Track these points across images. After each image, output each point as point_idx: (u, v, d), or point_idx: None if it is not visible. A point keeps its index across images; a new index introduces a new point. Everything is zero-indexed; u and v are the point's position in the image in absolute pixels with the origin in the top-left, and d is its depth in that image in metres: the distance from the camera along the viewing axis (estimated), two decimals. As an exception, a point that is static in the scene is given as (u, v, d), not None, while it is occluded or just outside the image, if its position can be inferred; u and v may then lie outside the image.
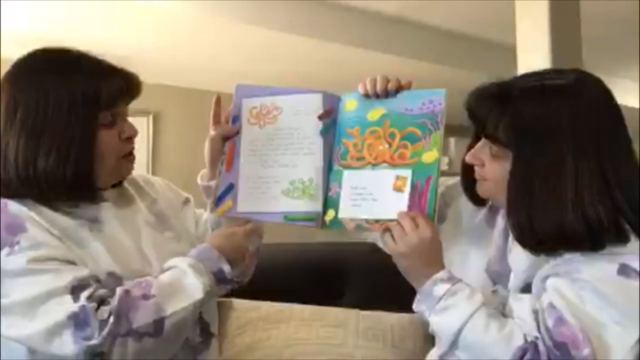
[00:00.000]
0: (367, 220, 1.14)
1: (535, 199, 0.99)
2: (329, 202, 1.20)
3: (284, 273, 1.68)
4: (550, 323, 0.95)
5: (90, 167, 1.09)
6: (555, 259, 1.01)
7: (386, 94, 1.18)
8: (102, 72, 1.11)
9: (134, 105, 1.20)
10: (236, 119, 1.28)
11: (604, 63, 3.86)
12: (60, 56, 1.13)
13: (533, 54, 2.72)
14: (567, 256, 1.00)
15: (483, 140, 1.08)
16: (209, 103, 1.29)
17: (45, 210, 1.07)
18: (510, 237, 1.11)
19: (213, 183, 1.26)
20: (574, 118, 1.00)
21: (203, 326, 1.20)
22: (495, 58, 4.02)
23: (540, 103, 1.01)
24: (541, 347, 0.95)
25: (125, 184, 1.24)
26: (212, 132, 1.28)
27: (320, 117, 1.23)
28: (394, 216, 1.08)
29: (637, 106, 4.91)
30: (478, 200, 1.16)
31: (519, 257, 1.07)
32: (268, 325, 1.51)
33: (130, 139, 1.16)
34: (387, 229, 1.08)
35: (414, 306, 1.07)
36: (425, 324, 1.25)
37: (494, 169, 1.07)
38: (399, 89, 1.18)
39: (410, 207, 1.10)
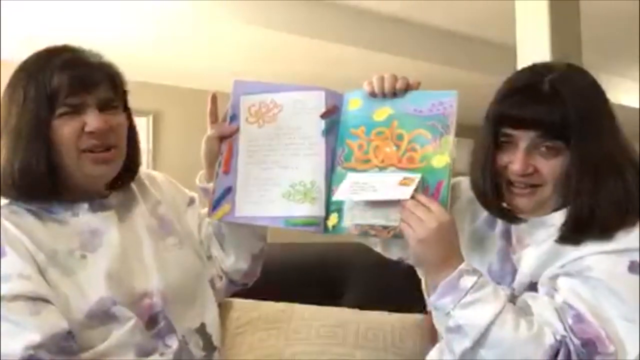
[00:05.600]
0: (373, 226, 1.09)
1: (602, 181, 1.00)
2: (332, 205, 1.14)
3: (284, 273, 1.68)
4: (570, 321, 0.95)
5: (50, 162, 1.04)
6: (563, 259, 1.01)
7: (394, 93, 1.13)
8: (58, 64, 1.06)
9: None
10: (234, 117, 1.22)
11: (604, 63, 3.87)
12: (34, 55, 1.10)
13: (533, 54, 2.72)
14: (577, 254, 1.00)
15: (527, 145, 1.04)
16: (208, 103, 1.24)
17: (40, 228, 1.04)
18: (514, 238, 1.10)
19: (211, 185, 1.20)
20: (602, 96, 1.06)
21: (206, 339, 1.15)
22: (495, 58, 4.02)
23: (581, 87, 1.05)
24: (571, 346, 0.94)
25: (132, 184, 1.20)
26: (208, 132, 1.22)
27: (322, 116, 1.17)
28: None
29: (637, 106, 4.92)
30: (513, 217, 1.10)
31: (525, 258, 1.07)
32: (268, 325, 1.51)
33: (95, 134, 1.07)
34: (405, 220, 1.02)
35: (432, 299, 1.01)
36: (426, 324, 1.24)
37: (552, 167, 1.03)
38: (407, 89, 1.13)
39: None
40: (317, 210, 1.13)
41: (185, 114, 4.46)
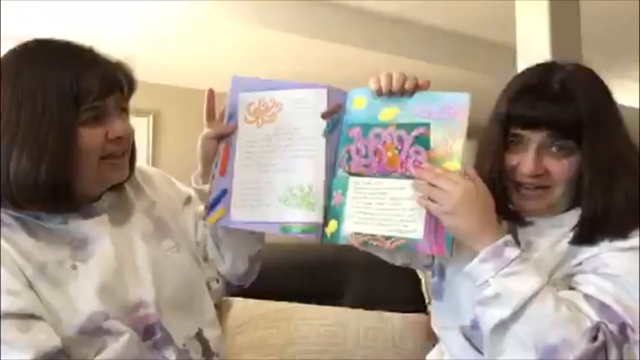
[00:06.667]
0: (374, 236, 1.03)
1: (615, 180, 0.99)
2: (331, 212, 1.07)
3: (284, 273, 1.68)
4: (596, 310, 0.94)
5: (68, 171, 0.96)
6: (577, 258, 1.01)
7: (401, 93, 1.06)
8: (82, 63, 0.98)
9: (134, 105, 1.16)
10: (232, 116, 1.15)
11: (604, 63, 3.86)
12: (39, 48, 1.01)
13: (533, 54, 2.72)
14: (592, 252, 0.99)
15: (537, 146, 1.02)
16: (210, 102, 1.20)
17: (28, 239, 0.97)
18: (522, 242, 1.08)
19: (207, 187, 1.14)
20: (609, 95, 1.06)
21: (204, 345, 1.10)
22: (495, 58, 4.02)
23: (590, 86, 1.04)
24: (607, 332, 0.92)
25: (125, 184, 1.12)
26: (205, 130, 1.15)
27: (324, 116, 1.09)
28: (407, 234, 1.00)
29: (637, 106, 4.91)
30: (521, 220, 1.08)
31: (538, 262, 1.04)
32: (269, 324, 1.51)
33: (119, 140, 1.02)
34: (427, 198, 0.98)
35: (471, 266, 0.96)
36: (426, 324, 1.24)
37: (562, 167, 1.02)
38: (415, 89, 1.06)
39: (426, 223, 0.99)
40: (315, 216, 1.06)
41: (185, 114, 4.44)
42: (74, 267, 0.98)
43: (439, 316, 1.18)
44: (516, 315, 0.92)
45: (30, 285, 0.94)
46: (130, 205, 1.12)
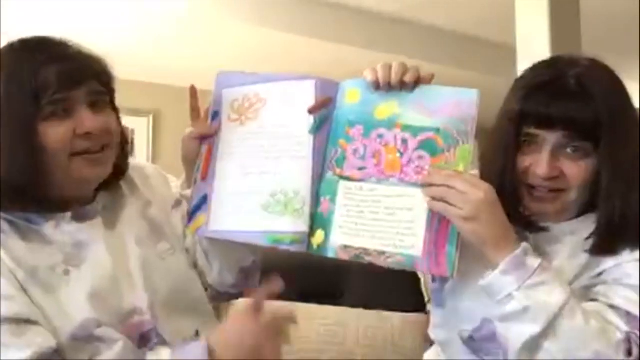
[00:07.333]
0: (367, 251, 0.92)
1: (633, 183, 0.94)
2: (318, 220, 0.95)
3: (284, 273, 1.68)
4: (624, 320, 0.90)
5: (34, 170, 0.92)
6: (597, 269, 0.96)
7: (401, 86, 0.96)
8: (42, 58, 0.93)
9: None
10: (216, 114, 1.06)
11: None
12: (8, 48, 0.97)
13: (533, 54, 2.72)
14: (614, 262, 0.95)
15: (552, 146, 0.95)
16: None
17: (18, 243, 0.94)
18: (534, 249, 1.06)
19: (190, 192, 1.06)
20: (626, 92, 1.02)
21: None
22: (495, 58, 4.03)
23: (609, 83, 0.99)
24: (637, 340, 0.88)
25: (121, 182, 1.08)
26: (187, 130, 1.08)
27: (311, 111, 0.98)
28: (404, 249, 0.91)
29: (637, 106, 4.92)
30: (535, 225, 1.01)
31: (557, 272, 1.00)
32: (268, 324, 1.51)
33: (89, 136, 0.94)
34: (441, 199, 0.89)
35: (490, 279, 0.88)
36: (424, 324, 1.23)
37: (579, 170, 0.95)
38: (417, 82, 0.95)
39: (426, 238, 0.90)
40: (300, 225, 0.95)
41: (185, 114, 4.39)
42: (67, 273, 0.95)
43: (439, 323, 1.14)
44: (546, 331, 0.86)
45: (23, 290, 0.92)
46: (126, 206, 1.07)
